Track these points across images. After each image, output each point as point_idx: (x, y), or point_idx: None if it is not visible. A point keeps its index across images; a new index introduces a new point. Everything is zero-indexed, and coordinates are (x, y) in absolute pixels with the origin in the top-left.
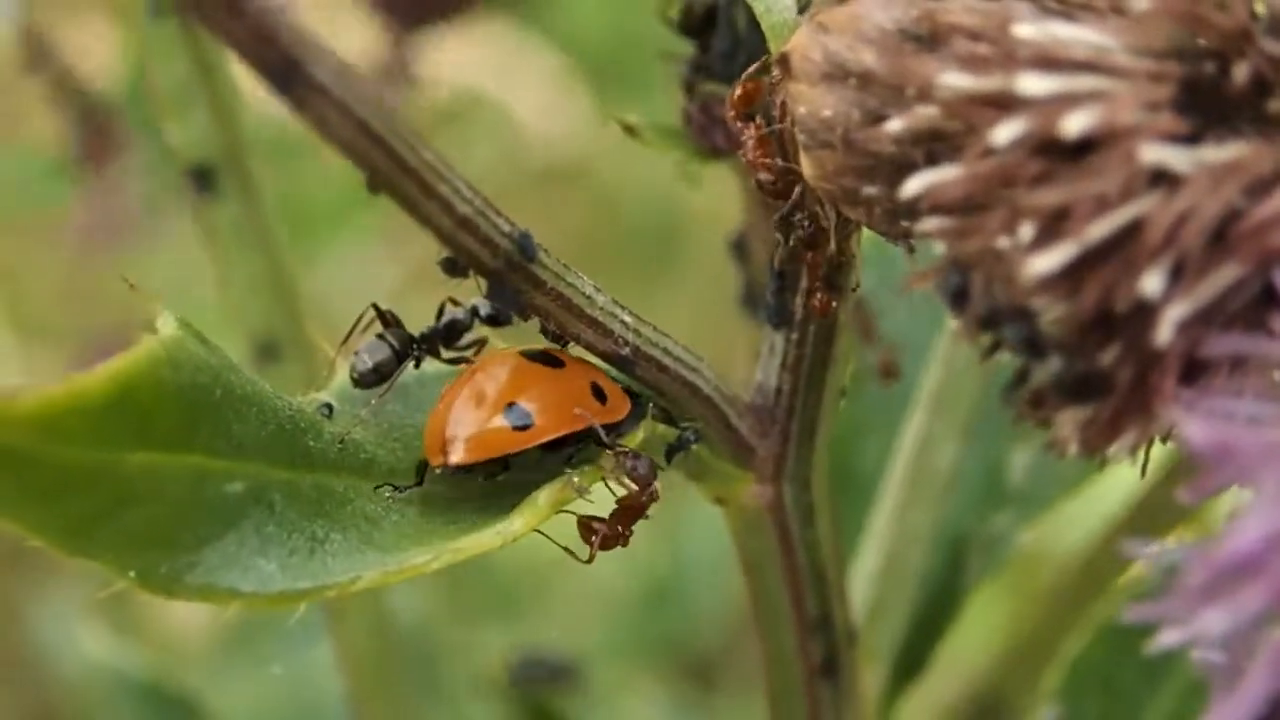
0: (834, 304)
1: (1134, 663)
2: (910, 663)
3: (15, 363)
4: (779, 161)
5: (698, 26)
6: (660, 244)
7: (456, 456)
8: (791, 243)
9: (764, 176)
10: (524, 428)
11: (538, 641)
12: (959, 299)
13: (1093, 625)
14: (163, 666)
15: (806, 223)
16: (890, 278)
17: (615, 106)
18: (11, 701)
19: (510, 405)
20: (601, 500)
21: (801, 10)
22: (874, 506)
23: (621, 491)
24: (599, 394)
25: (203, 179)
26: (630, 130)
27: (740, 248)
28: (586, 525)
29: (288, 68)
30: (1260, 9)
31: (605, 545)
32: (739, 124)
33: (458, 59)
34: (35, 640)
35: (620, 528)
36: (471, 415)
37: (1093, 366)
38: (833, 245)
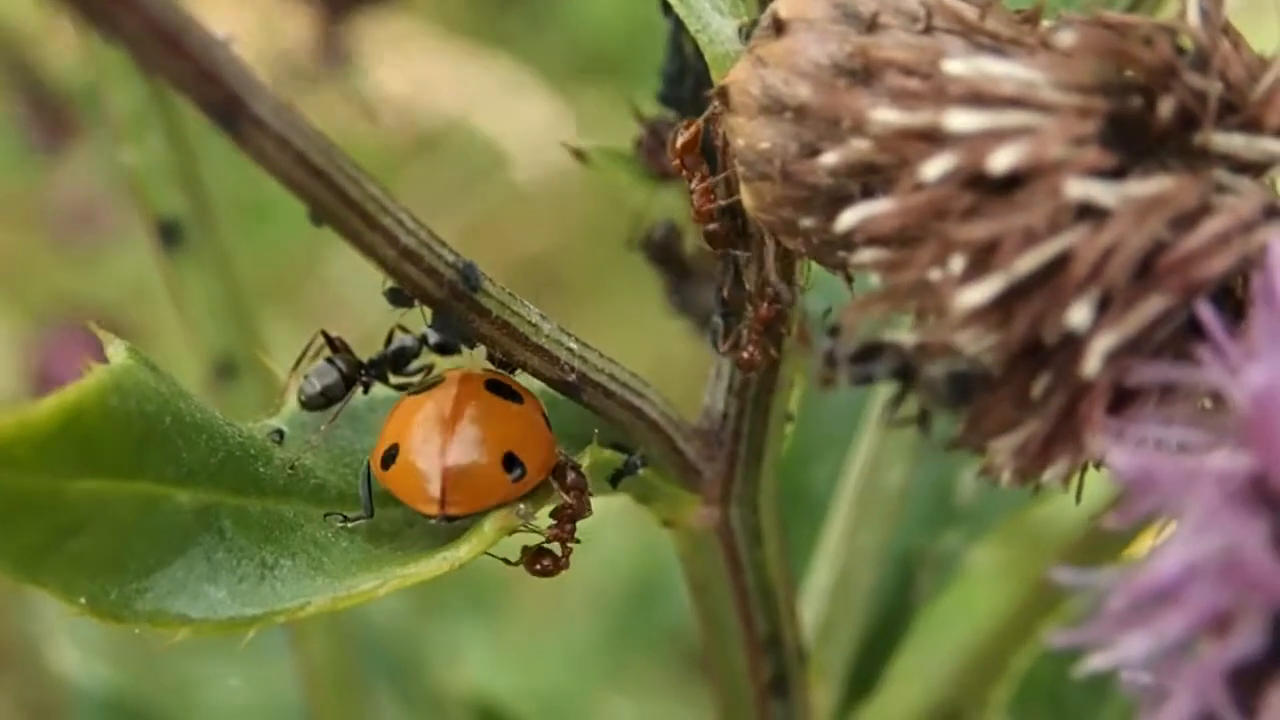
0: (769, 355)
1: (1080, 679)
2: (862, 680)
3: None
4: (723, 204)
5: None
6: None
7: (456, 510)
8: (751, 289)
9: (711, 228)
10: (519, 479)
11: None
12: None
13: (1041, 641)
14: (132, 676)
15: (774, 277)
16: (835, 298)
17: (622, 101)
18: (7, 694)
19: (508, 456)
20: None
21: (747, 38)
22: (826, 526)
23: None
24: (548, 422)
25: (170, 234)
26: (580, 155)
27: (663, 244)
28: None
29: (229, 104)
30: (1186, 44)
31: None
32: (683, 170)
33: (452, 76)
34: (31, 633)
35: (563, 532)
36: (470, 465)
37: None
38: (773, 275)
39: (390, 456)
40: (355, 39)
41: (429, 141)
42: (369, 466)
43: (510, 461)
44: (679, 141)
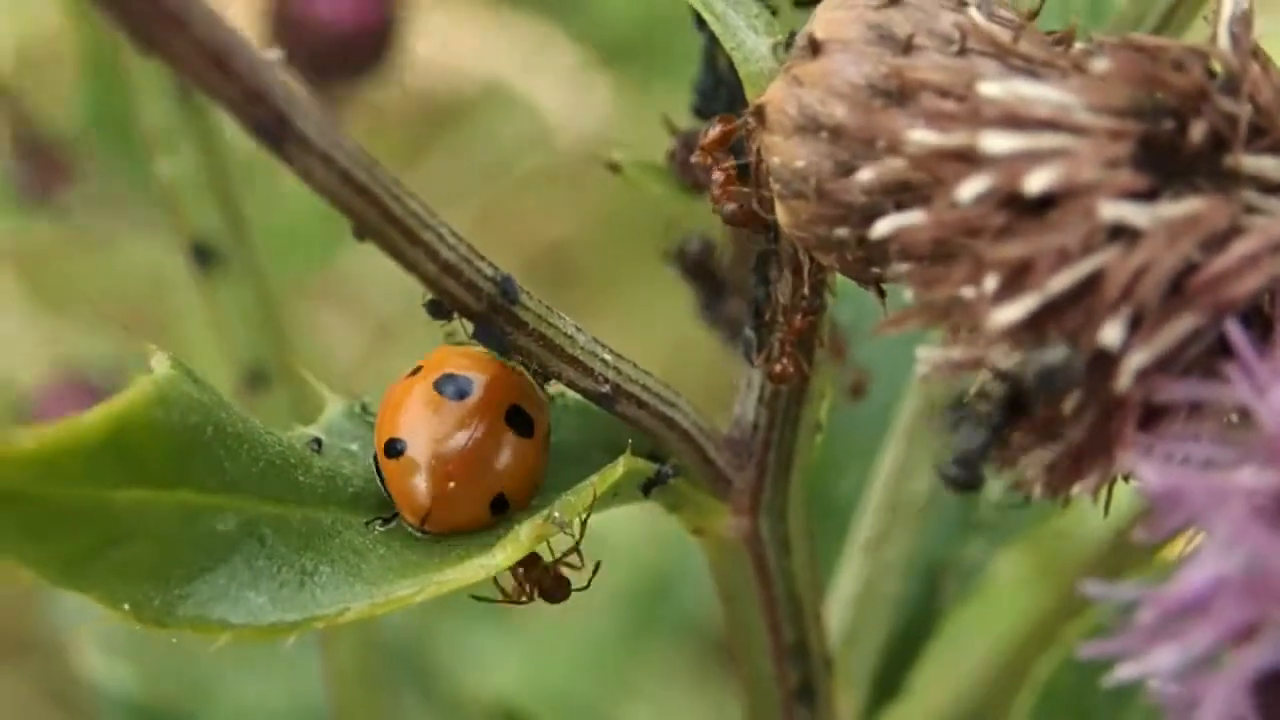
0: (801, 368)
1: (1103, 688)
2: (887, 687)
3: (38, 340)
4: (743, 201)
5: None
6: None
7: (430, 529)
8: (784, 302)
9: (729, 208)
10: (498, 515)
11: None
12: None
13: (1064, 648)
14: (155, 679)
15: (807, 291)
16: (866, 309)
17: (637, 89)
18: (31, 681)
19: (498, 498)
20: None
21: (785, 52)
22: (851, 534)
23: None
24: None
25: (204, 256)
26: (614, 168)
27: (698, 259)
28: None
29: (277, 124)
30: (1216, 68)
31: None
32: (708, 162)
33: (481, 49)
34: (53, 620)
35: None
36: (456, 508)
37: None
38: (806, 289)
39: (397, 450)
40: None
41: (456, 110)
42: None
43: (498, 502)
44: (710, 135)
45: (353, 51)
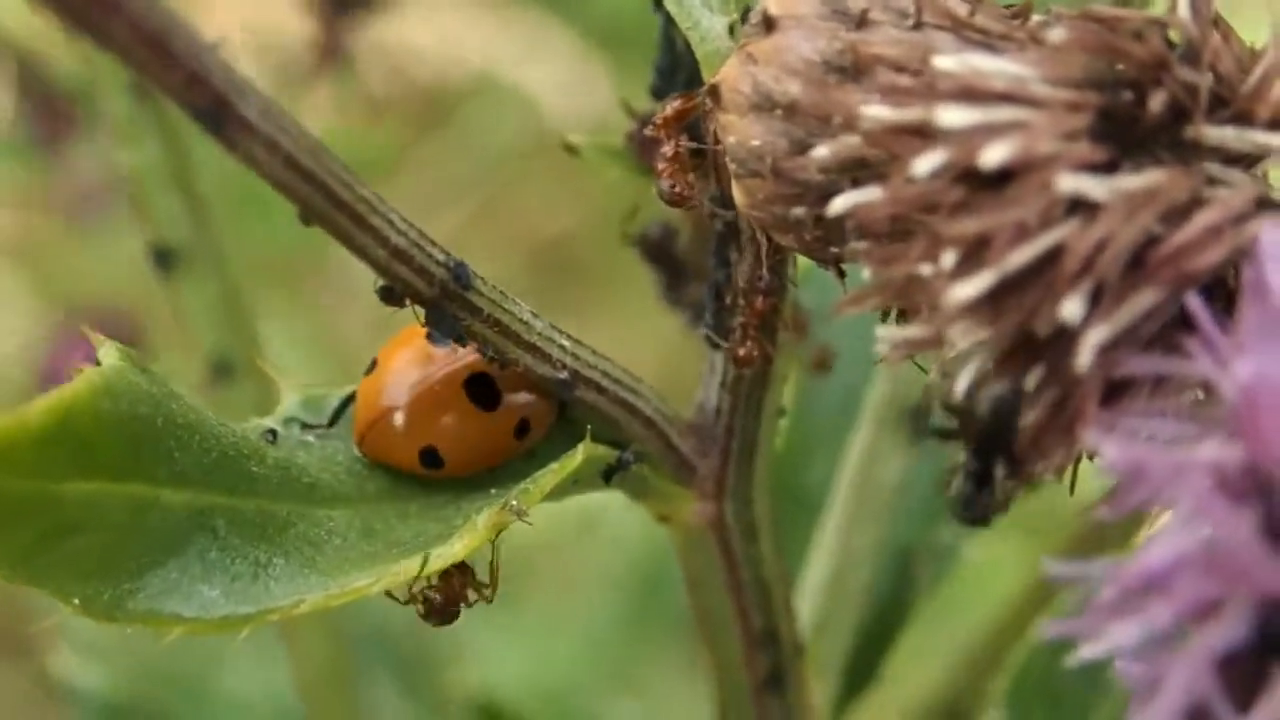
0: (765, 351)
1: (1077, 671)
2: (859, 674)
3: (24, 323)
4: (683, 183)
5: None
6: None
7: (366, 452)
8: (743, 285)
9: (665, 186)
10: (435, 467)
11: None
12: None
13: (1035, 636)
14: (130, 677)
15: (767, 272)
16: (830, 291)
17: (637, 82)
18: (21, 681)
19: (426, 449)
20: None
21: (734, 37)
22: (822, 521)
23: None
24: (523, 430)
25: (164, 258)
26: (571, 150)
27: (659, 243)
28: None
29: (217, 108)
30: (1176, 37)
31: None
32: (660, 133)
33: (480, 40)
34: (43, 611)
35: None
36: (391, 441)
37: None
38: (765, 271)
39: (370, 369)
40: (355, 39)
41: (455, 102)
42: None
43: (428, 455)
44: (666, 111)
45: None
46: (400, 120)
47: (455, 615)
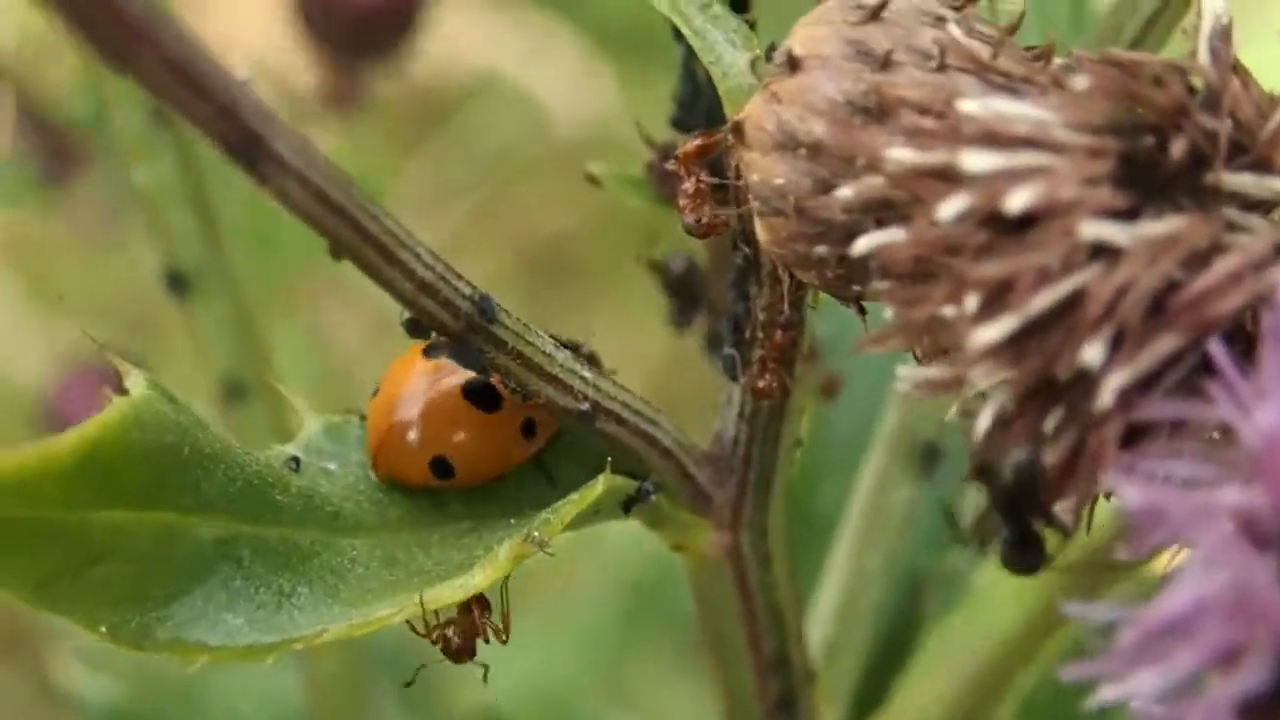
0: (784, 384)
1: (1084, 699)
2: (868, 699)
3: (37, 336)
4: (706, 216)
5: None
6: None
7: (381, 472)
8: (763, 318)
9: (689, 220)
10: (447, 476)
11: None
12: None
13: (1045, 661)
14: (135, 688)
15: (787, 307)
16: (846, 322)
17: (640, 84)
18: (22, 678)
19: (436, 458)
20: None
21: (756, 73)
22: (832, 546)
23: None
24: (529, 429)
25: (177, 283)
26: (592, 180)
27: (680, 276)
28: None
29: (250, 143)
30: (1197, 84)
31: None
32: (681, 169)
33: (482, 40)
34: (43, 621)
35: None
36: (401, 455)
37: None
38: (786, 306)
39: (375, 391)
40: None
41: (456, 102)
42: None
43: (438, 464)
44: (688, 146)
45: (378, 27)
46: (400, 119)
47: (474, 652)
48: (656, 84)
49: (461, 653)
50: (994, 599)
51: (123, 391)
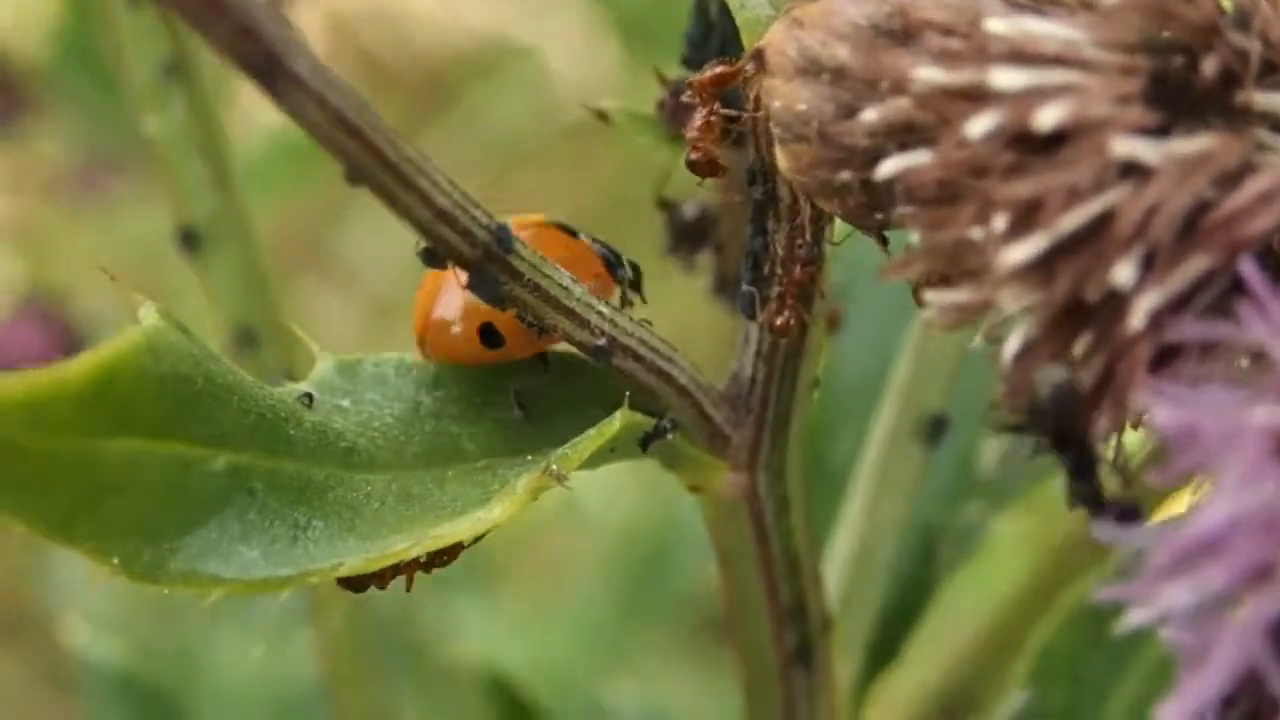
0: (802, 319)
1: (1100, 650)
2: (883, 652)
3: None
4: (710, 153)
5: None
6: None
7: (432, 354)
8: (782, 253)
9: (694, 156)
10: (495, 345)
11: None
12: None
13: (1060, 613)
14: (144, 651)
15: (807, 240)
16: (859, 269)
17: (648, 59)
18: (24, 662)
19: (484, 325)
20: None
21: (774, 3)
22: (846, 498)
23: None
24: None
25: (190, 239)
26: (603, 116)
27: (692, 224)
28: None
29: (269, 63)
30: (1227, 2)
31: None
32: (697, 97)
33: (488, 9)
34: (45, 602)
35: None
36: (449, 329)
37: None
38: (807, 238)
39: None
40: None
41: (462, 81)
42: None
43: (487, 331)
44: (708, 75)
45: None
46: (406, 94)
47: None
48: (662, 62)
49: None
50: (1010, 551)
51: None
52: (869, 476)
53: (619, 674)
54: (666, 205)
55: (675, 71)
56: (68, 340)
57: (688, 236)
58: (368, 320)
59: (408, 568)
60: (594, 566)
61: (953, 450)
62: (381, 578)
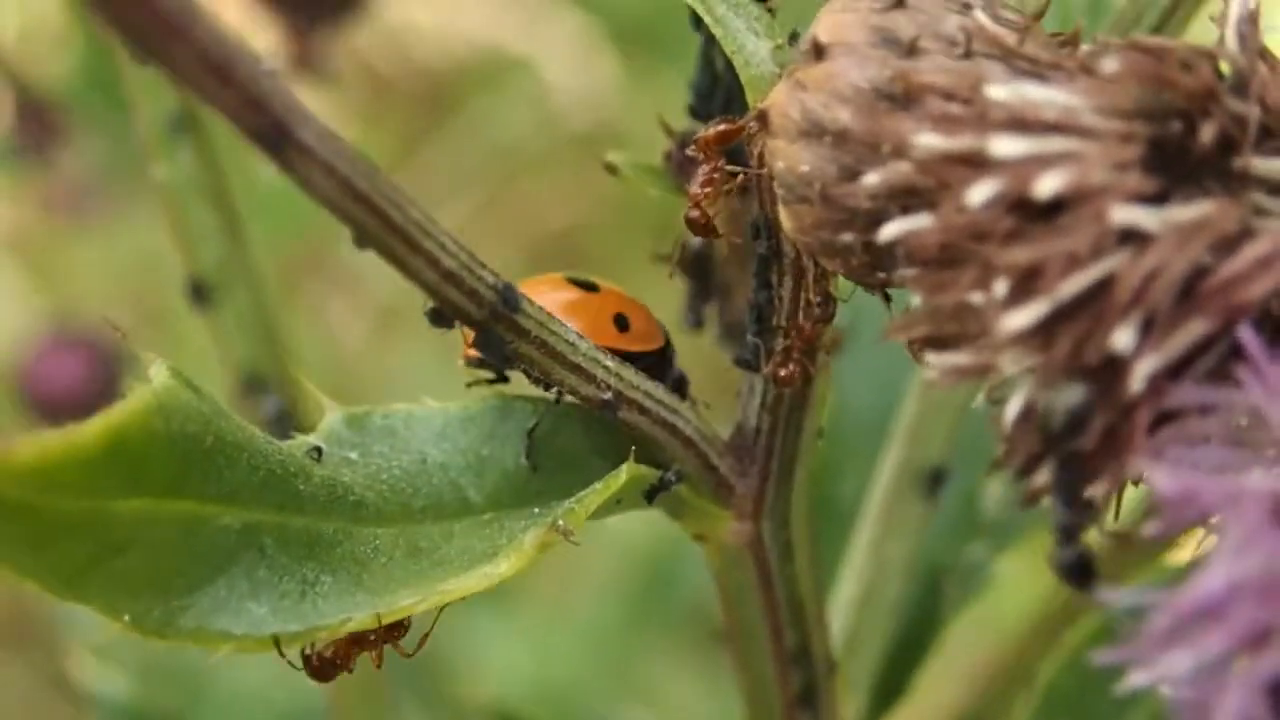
0: (807, 372)
1: (1105, 688)
2: (888, 691)
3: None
4: (715, 208)
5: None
6: None
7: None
8: (790, 307)
9: (693, 214)
10: (624, 329)
11: None
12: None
13: (1065, 652)
14: (150, 677)
15: (821, 300)
16: (863, 311)
17: (645, 69)
18: (30, 667)
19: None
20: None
21: (778, 61)
22: (853, 537)
23: None
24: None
25: (199, 291)
26: (611, 169)
27: (698, 262)
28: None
29: (277, 132)
30: (1225, 68)
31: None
32: (701, 154)
33: (486, 21)
34: (50, 613)
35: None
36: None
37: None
38: (818, 295)
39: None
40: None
41: (463, 92)
42: None
43: (619, 320)
44: (712, 132)
45: None
46: (407, 105)
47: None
48: (661, 76)
49: (325, 671)
50: (1014, 590)
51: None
52: (875, 515)
53: (627, 690)
54: (680, 252)
55: (672, 89)
56: (105, 366)
57: (697, 272)
58: (374, 327)
59: (372, 643)
60: (604, 577)
61: (957, 491)
62: (347, 657)
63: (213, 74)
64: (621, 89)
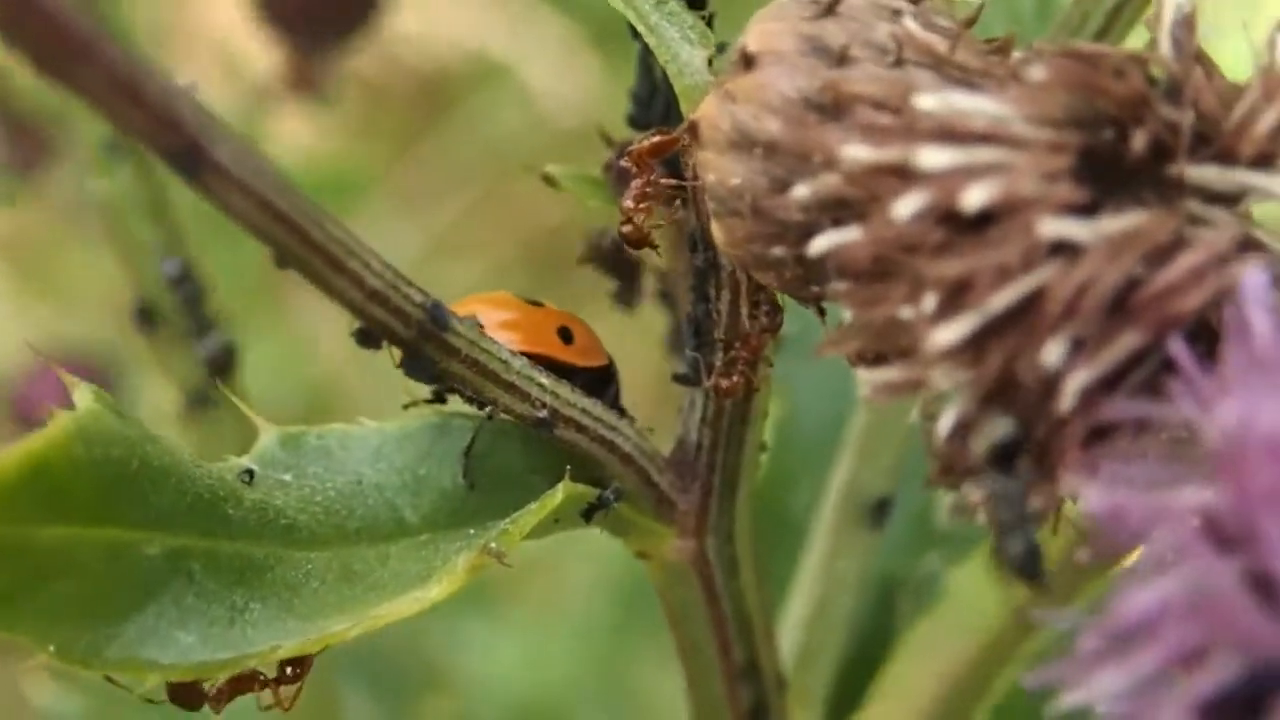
0: (749, 385)
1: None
2: (843, 704)
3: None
4: (646, 222)
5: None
6: None
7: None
8: (728, 320)
9: (626, 229)
10: (569, 341)
11: None
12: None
13: (1021, 663)
14: (107, 702)
15: (767, 309)
16: (813, 321)
17: (626, 70)
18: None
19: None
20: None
21: (714, 70)
22: (805, 550)
23: None
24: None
25: (145, 316)
26: (550, 181)
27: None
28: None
29: (190, 152)
30: (1158, 74)
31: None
32: (634, 167)
33: (465, 24)
34: None
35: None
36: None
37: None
38: (764, 308)
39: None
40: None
41: (453, 94)
42: None
43: (563, 332)
44: (645, 144)
45: (335, 12)
46: (398, 108)
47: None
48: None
49: (187, 699)
50: (968, 602)
51: (70, 404)
52: (828, 528)
53: (613, 693)
54: (593, 250)
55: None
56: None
57: (616, 264)
58: (349, 347)
59: (271, 683)
60: (587, 586)
61: (910, 502)
62: (224, 695)
63: (122, 94)
64: (605, 89)
